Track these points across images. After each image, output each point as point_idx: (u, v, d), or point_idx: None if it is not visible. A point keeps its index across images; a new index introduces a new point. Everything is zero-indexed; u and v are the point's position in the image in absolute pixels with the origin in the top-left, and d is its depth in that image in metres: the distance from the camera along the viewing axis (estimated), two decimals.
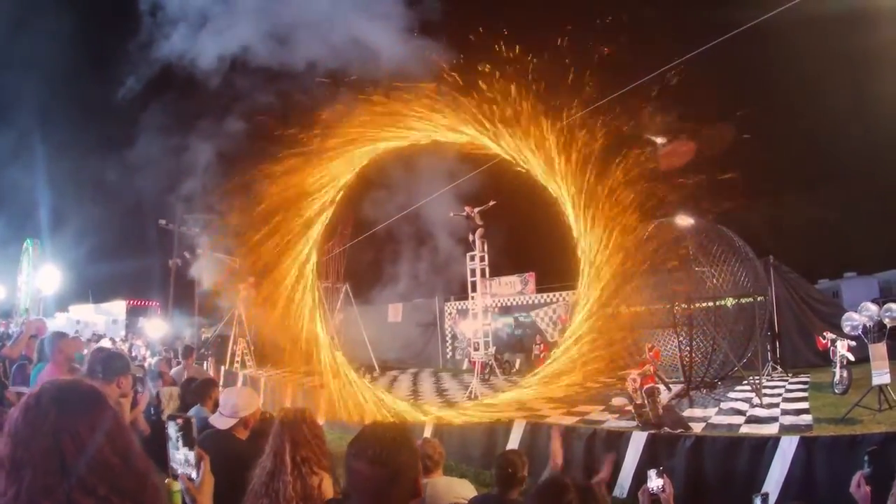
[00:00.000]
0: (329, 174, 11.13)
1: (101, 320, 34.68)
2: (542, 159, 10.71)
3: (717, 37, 9.21)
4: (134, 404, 5.25)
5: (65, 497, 1.44)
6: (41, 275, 23.80)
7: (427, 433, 9.67)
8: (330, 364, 11.39)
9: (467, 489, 4.25)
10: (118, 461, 1.54)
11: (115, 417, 1.63)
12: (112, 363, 4.66)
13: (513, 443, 9.07)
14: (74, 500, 1.44)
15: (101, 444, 1.53)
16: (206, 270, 28.88)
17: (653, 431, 8.46)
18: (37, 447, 1.47)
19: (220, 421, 4.27)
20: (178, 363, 13.34)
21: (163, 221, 31.53)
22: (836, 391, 11.00)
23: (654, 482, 3.21)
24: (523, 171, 11.21)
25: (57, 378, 1.82)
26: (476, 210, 15.60)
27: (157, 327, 28.75)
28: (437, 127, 10.77)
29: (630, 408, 10.00)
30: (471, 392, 14.65)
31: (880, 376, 9.24)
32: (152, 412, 7.88)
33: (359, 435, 2.02)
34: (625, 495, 7.77)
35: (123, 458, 1.56)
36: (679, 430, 8.56)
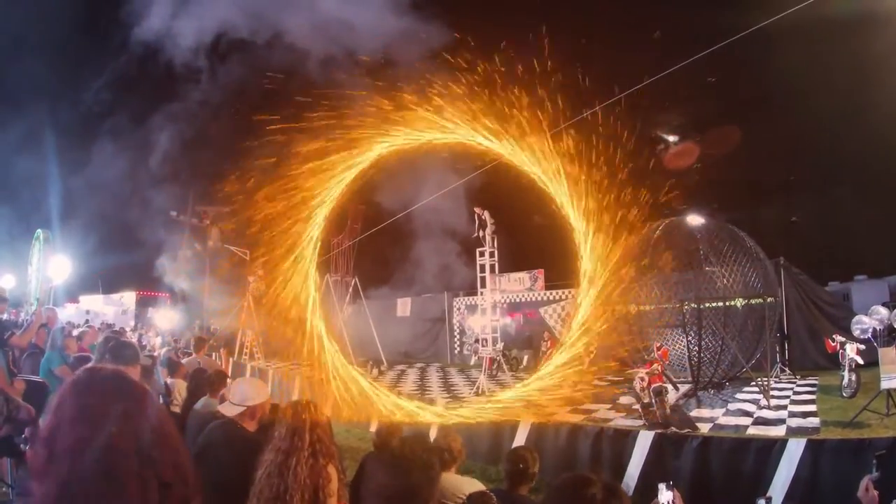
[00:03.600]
0: (338, 165, 11.11)
1: (111, 310, 34.92)
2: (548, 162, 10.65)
3: (726, 38, 9.17)
4: None
5: (114, 479, 1.46)
6: (52, 265, 23.89)
7: (434, 428, 9.69)
8: (330, 363, 11.35)
9: (475, 488, 4.22)
10: (160, 448, 1.58)
11: (157, 407, 1.67)
12: (122, 352, 4.68)
13: (520, 439, 9.09)
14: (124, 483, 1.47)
15: (144, 432, 1.56)
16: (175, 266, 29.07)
17: (660, 431, 8.45)
18: (84, 431, 1.49)
19: (228, 409, 4.28)
20: (187, 353, 13.37)
21: (174, 212, 31.71)
22: (845, 394, 10.97)
23: (664, 495, 3.15)
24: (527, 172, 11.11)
25: (101, 367, 1.86)
26: (486, 211, 15.59)
27: (166, 318, 28.89)
28: (435, 127, 10.72)
29: (637, 407, 10.00)
30: (478, 388, 14.67)
31: (889, 380, 9.19)
32: (161, 402, 7.93)
33: (386, 444, 2.06)
34: (630, 494, 7.77)
35: (166, 447, 1.59)
36: (686, 430, 8.56)
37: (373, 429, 10.80)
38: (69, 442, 1.49)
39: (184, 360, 10.67)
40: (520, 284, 23.37)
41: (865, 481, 2.59)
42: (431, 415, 10.75)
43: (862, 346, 10.84)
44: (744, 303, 13.57)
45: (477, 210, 15.69)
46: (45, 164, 27.85)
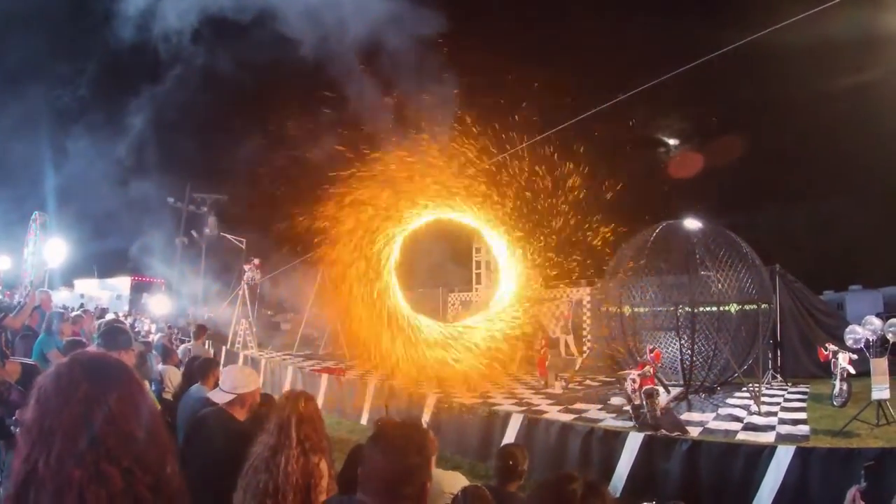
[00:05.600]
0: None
1: (106, 295, 34.76)
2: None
3: (725, 46, 9.19)
4: None
5: (93, 466, 1.46)
6: (47, 248, 23.80)
7: (425, 419, 9.71)
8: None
9: (458, 482, 4.19)
10: (143, 434, 1.56)
11: (141, 391, 1.67)
12: (116, 337, 4.67)
13: (509, 436, 9.10)
14: (102, 469, 1.46)
15: (128, 416, 1.56)
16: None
17: (649, 433, 8.47)
18: (68, 415, 1.49)
19: (218, 396, 4.27)
20: (181, 340, 13.35)
21: (171, 199, 31.63)
22: (835, 403, 11.01)
23: None
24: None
25: (86, 350, 1.87)
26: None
27: (160, 304, 28.83)
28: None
29: (628, 408, 10.02)
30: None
31: (880, 391, 9.23)
32: (153, 389, 7.92)
33: (381, 429, 2.08)
34: (618, 495, 7.78)
35: (148, 432, 1.58)
36: (676, 434, 8.57)
37: (364, 421, 10.86)
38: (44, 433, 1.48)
39: (180, 347, 10.71)
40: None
41: (853, 491, 2.59)
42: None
43: (854, 356, 10.87)
44: (738, 308, 13.58)
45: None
46: (41, 148, 27.74)
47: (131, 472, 1.49)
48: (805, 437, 8.86)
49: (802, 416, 10.59)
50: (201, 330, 11.34)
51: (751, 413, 10.71)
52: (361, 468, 2.00)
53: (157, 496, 1.53)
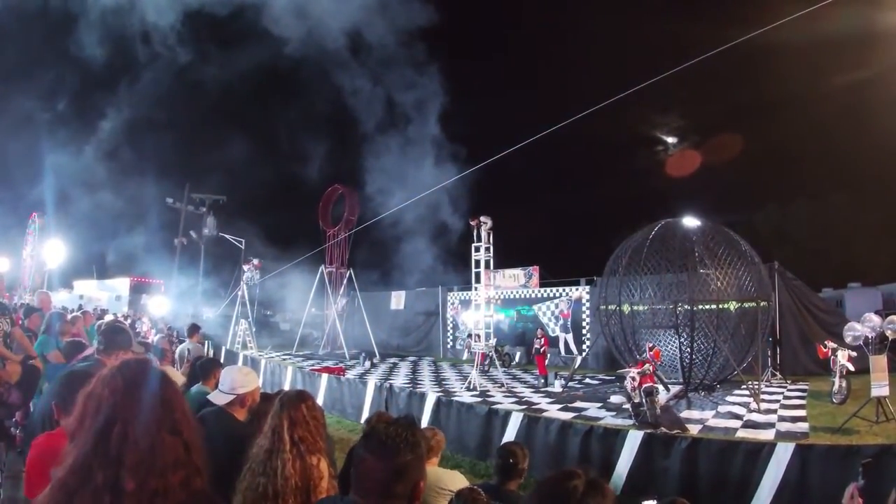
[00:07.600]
0: None
1: (105, 296, 34.70)
2: None
3: (723, 44, 9.16)
4: None
5: (137, 479, 1.43)
6: (46, 249, 23.81)
7: (425, 419, 9.70)
8: None
9: (457, 481, 4.20)
10: (180, 447, 1.55)
11: (183, 400, 1.67)
12: (114, 337, 4.66)
13: (509, 435, 9.09)
14: (143, 482, 1.44)
15: (161, 429, 1.53)
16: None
17: (649, 431, 8.47)
18: (104, 422, 1.46)
19: (218, 397, 4.26)
20: (180, 341, 13.35)
21: (170, 200, 31.62)
22: (835, 401, 11.02)
23: None
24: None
25: (132, 358, 1.83)
26: (481, 218, 15.56)
27: (160, 304, 28.82)
28: None
29: (628, 406, 10.02)
30: (469, 383, 14.69)
31: (879, 388, 9.24)
32: None
33: (373, 428, 2.06)
34: (618, 493, 7.78)
35: (185, 446, 1.57)
36: (675, 431, 8.58)
37: (364, 420, 10.85)
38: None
39: (178, 347, 10.70)
40: (514, 281, 23.37)
41: (851, 488, 2.59)
42: None
43: (853, 353, 10.88)
44: (737, 306, 13.60)
45: (473, 222, 15.71)
46: (40, 150, 27.73)
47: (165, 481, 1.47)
48: (804, 435, 8.88)
49: (802, 413, 10.61)
50: (194, 329, 11.29)
51: (750, 410, 10.73)
52: (354, 468, 1.99)
53: None
